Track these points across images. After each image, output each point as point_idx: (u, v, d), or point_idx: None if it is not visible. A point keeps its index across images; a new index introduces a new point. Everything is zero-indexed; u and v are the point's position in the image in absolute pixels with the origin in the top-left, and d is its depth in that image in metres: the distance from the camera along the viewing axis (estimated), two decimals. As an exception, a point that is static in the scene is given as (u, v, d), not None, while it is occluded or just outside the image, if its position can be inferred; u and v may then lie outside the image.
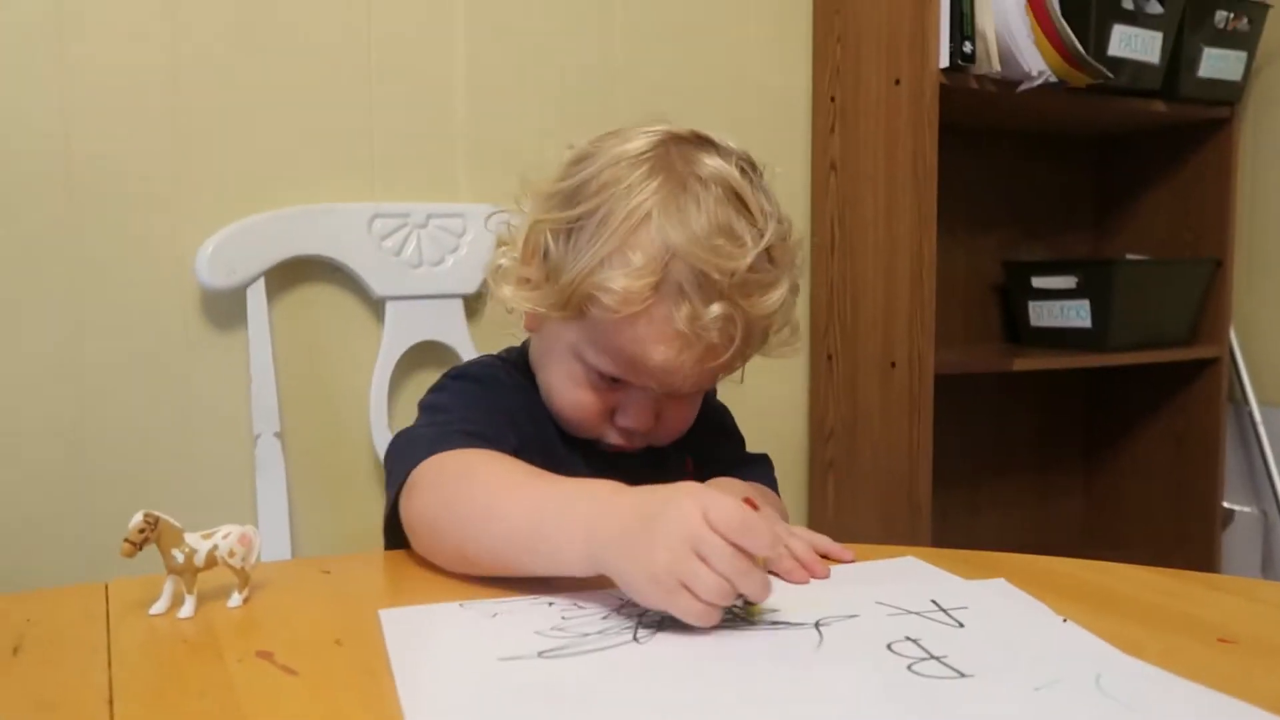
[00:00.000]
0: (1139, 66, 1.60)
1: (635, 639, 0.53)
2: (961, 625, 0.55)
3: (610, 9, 1.47)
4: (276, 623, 0.56)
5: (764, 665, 0.50)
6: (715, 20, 1.55)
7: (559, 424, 0.81)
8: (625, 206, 0.71)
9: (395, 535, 0.72)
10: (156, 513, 0.56)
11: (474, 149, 1.39)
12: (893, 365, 1.50)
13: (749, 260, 0.70)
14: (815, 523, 1.65)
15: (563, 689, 0.47)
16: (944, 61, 1.42)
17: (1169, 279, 1.77)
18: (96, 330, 1.21)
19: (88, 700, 0.45)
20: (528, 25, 1.42)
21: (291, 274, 1.29)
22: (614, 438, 0.80)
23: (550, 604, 0.59)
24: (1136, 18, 1.58)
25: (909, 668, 0.48)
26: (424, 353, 1.36)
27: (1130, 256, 1.88)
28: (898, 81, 1.47)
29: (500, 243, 0.82)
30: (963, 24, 1.42)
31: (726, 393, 0.93)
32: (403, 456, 0.72)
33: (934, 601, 0.58)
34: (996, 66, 1.45)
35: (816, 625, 0.55)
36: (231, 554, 0.58)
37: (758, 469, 0.91)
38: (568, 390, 0.78)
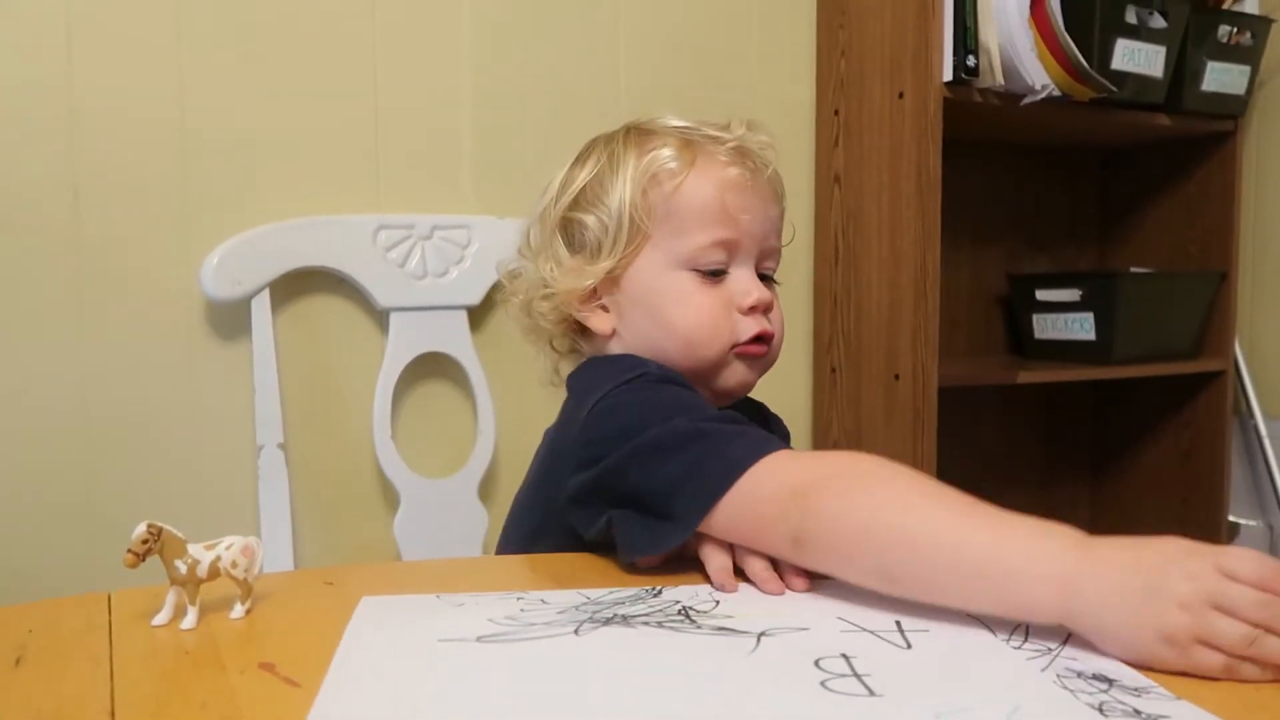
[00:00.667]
0: (1142, 80, 1.61)
1: (576, 633, 0.54)
2: (909, 647, 0.53)
3: (615, 23, 1.48)
4: (279, 634, 0.56)
5: (681, 666, 0.50)
6: (719, 34, 1.56)
7: (692, 371, 0.78)
8: (618, 140, 0.82)
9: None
10: (159, 523, 0.56)
11: (479, 161, 1.39)
12: (896, 378, 1.49)
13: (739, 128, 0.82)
14: (819, 535, 1.64)
15: (477, 670, 0.49)
16: (947, 75, 1.42)
17: (1173, 292, 1.77)
18: (101, 341, 1.21)
19: (89, 711, 0.45)
20: (533, 39, 1.42)
21: (296, 285, 1.29)
22: (747, 329, 0.78)
23: (518, 598, 0.60)
24: (1140, 31, 1.58)
25: (822, 683, 0.47)
26: (428, 364, 1.36)
27: (1134, 269, 1.87)
28: (901, 95, 1.47)
29: (512, 279, 0.86)
30: (966, 37, 1.43)
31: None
32: (695, 457, 0.64)
33: (897, 622, 0.56)
34: (1000, 80, 1.46)
35: (760, 634, 0.54)
36: (234, 565, 0.58)
37: None
38: (688, 308, 0.77)
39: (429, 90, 1.36)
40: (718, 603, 0.60)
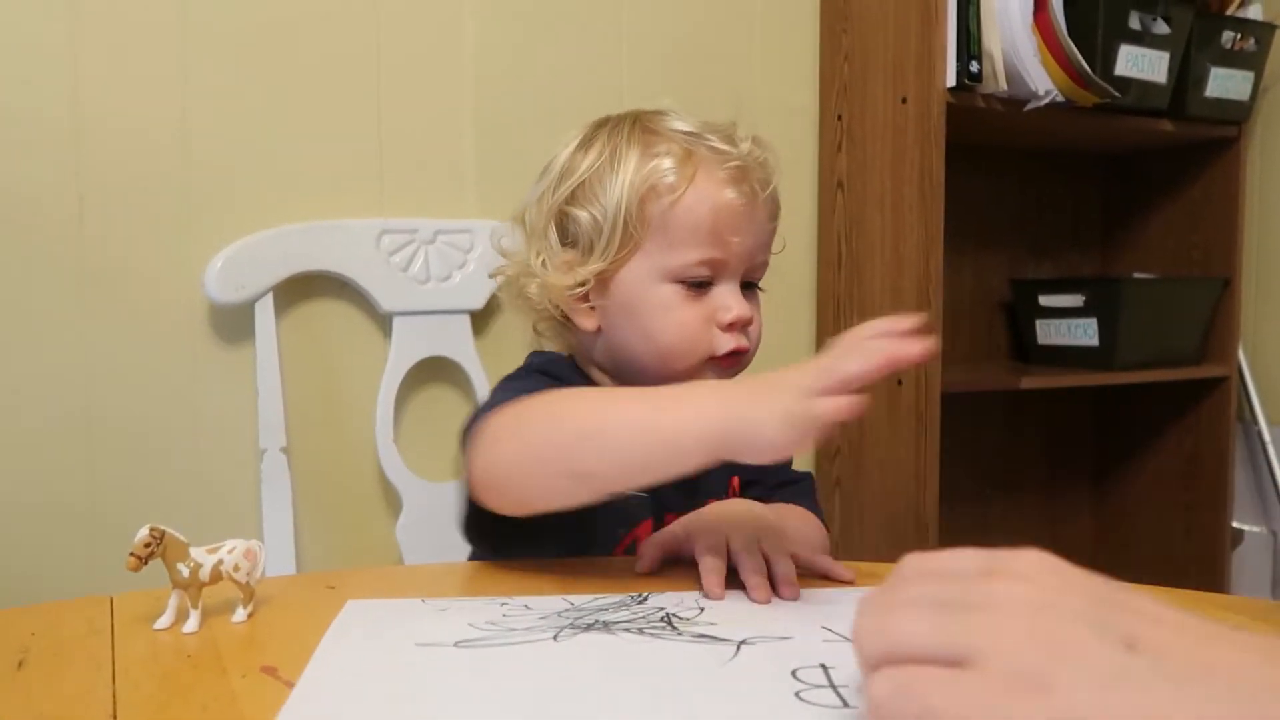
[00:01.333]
0: (1146, 86, 1.61)
1: (555, 639, 0.54)
2: None
3: (617, 27, 1.48)
4: (281, 638, 0.56)
5: (653, 673, 0.50)
6: (722, 39, 1.56)
7: (664, 380, 0.78)
8: (622, 133, 0.81)
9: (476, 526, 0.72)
10: (162, 527, 0.56)
11: (482, 165, 1.39)
12: (899, 383, 1.49)
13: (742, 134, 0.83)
14: (821, 541, 1.64)
15: (450, 675, 0.49)
16: (951, 80, 1.42)
17: (1177, 298, 1.76)
18: (105, 344, 1.21)
19: (91, 714, 0.45)
20: (535, 44, 1.42)
21: (299, 289, 1.30)
22: (724, 344, 0.80)
23: (502, 604, 0.60)
24: (1143, 37, 1.58)
25: (797, 694, 0.47)
26: (431, 368, 1.36)
27: (1138, 275, 1.87)
28: (905, 100, 1.47)
29: (505, 253, 0.86)
30: (969, 43, 1.43)
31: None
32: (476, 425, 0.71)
33: None
34: (1003, 85, 1.46)
35: (740, 643, 0.54)
36: (236, 569, 0.58)
37: (800, 490, 0.91)
38: (668, 319, 0.79)
39: (432, 95, 1.37)
40: (702, 610, 0.60)
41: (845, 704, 0.46)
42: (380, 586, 0.71)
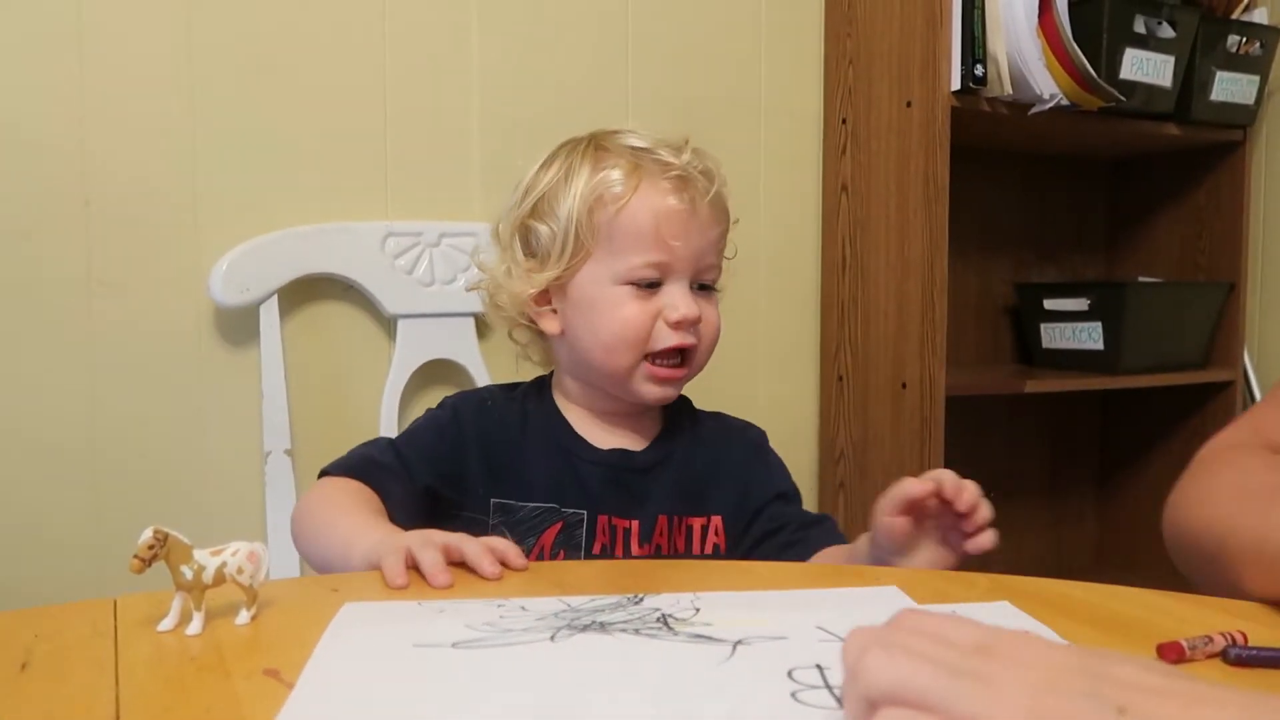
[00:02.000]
0: (1151, 89, 1.61)
1: (551, 640, 0.54)
2: None
3: (622, 31, 1.48)
4: (284, 641, 0.56)
5: (648, 674, 0.50)
6: (727, 43, 1.56)
7: (611, 375, 0.87)
8: (579, 151, 0.87)
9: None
10: (166, 529, 0.56)
11: (487, 169, 1.40)
12: (904, 387, 1.49)
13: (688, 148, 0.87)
14: (825, 544, 1.63)
15: (448, 676, 0.49)
16: (955, 84, 1.42)
17: (1181, 302, 1.76)
18: (110, 346, 1.21)
19: (95, 716, 0.45)
20: (541, 47, 1.43)
21: (304, 292, 1.30)
22: (663, 339, 0.85)
23: (499, 605, 0.60)
24: (1148, 41, 1.58)
25: (792, 694, 0.47)
26: (435, 371, 1.36)
27: (1142, 279, 1.87)
28: (909, 104, 1.47)
29: (482, 272, 0.94)
30: (974, 47, 1.43)
31: (738, 405, 0.93)
32: (335, 461, 0.87)
33: None
34: (1008, 89, 1.46)
35: (735, 643, 0.54)
36: (240, 571, 0.58)
37: (826, 529, 0.91)
38: (614, 316, 0.85)
39: (437, 98, 1.37)
40: (698, 610, 0.60)
41: (841, 705, 0.46)
42: (382, 589, 0.71)
